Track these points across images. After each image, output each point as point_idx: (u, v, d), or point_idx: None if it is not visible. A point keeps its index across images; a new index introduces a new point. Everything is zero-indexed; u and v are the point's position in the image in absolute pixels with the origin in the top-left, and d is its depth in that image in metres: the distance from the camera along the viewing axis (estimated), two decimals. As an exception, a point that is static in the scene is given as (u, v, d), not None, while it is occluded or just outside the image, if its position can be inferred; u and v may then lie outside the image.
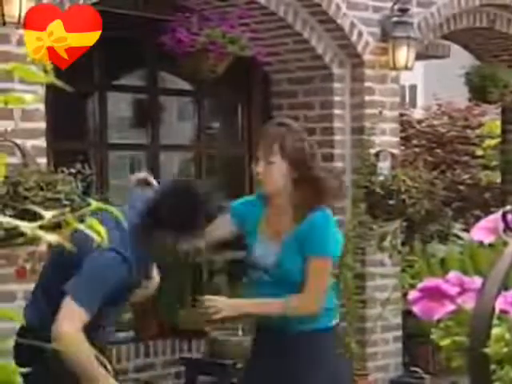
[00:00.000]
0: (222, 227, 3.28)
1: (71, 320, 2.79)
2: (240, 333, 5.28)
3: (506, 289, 1.24)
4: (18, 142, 4.40)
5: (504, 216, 1.39)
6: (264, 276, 3.19)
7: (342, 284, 5.80)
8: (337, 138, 6.07)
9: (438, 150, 8.45)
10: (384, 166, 6.08)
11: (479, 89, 7.25)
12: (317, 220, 3.10)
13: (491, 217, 1.46)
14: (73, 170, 4.54)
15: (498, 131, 7.93)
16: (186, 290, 6.36)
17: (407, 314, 6.07)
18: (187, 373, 5.70)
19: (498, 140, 7.89)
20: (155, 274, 3.30)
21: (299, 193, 3.11)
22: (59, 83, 1.20)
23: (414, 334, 6.42)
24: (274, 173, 3.13)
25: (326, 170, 3.30)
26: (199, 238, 2.98)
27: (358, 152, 6.04)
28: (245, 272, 3.30)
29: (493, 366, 1.21)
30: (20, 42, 4.22)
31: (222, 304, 3.17)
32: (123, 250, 2.87)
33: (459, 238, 7.91)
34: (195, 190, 2.98)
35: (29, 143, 4.45)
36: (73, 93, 1.45)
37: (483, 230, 1.44)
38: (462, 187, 8.28)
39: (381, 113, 6.07)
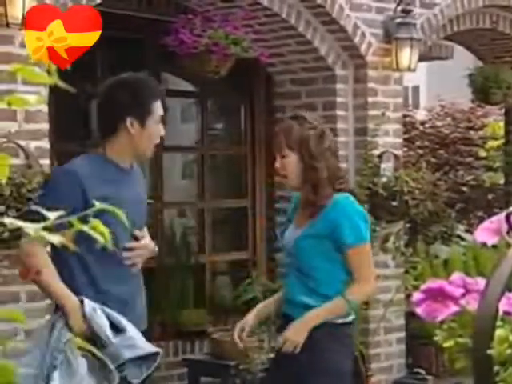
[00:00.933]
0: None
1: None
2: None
3: (510, 290, 1.24)
4: (22, 143, 4.40)
5: (508, 217, 1.39)
6: (287, 260, 3.28)
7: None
8: (340, 139, 6.07)
9: (441, 152, 8.45)
10: (387, 167, 6.07)
11: (482, 90, 7.25)
12: (343, 205, 3.15)
13: (495, 218, 1.46)
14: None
15: (502, 132, 7.93)
16: (188, 291, 6.36)
17: (410, 315, 6.07)
18: (190, 374, 5.70)
19: (502, 141, 7.88)
20: (147, 236, 3.36)
21: (309, 181, 3.17)
22: (62, 84, 1.20)
23: (418, 336, 6.42)
24: (288, 166, 3.19)
25: (335, 163, 3.30)
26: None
27: (361, 153, 6.04)
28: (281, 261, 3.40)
29: (496, 368, 1.21)
30: (23, 44, 4.22)
31: (294, 337, 3.14)
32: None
33: (462, 239, 7.90)
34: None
35: (32, 144, 4.45)
36: (76, 94, 1.45)
37: (487, 232, 1.44)
38: (465, 188, 8.28)
39: (384, 114, 6.07)
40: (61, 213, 1.14)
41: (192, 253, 6.54)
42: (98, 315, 2.96)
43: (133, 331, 3.01)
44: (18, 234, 3.79)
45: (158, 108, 3.20)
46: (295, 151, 3.17)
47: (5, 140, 4.35)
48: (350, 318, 3.23)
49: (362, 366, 3.35)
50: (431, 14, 6.41)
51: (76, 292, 3.00)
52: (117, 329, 2.98)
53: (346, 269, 3.19)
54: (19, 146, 4.39)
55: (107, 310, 3.00)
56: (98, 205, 1.19)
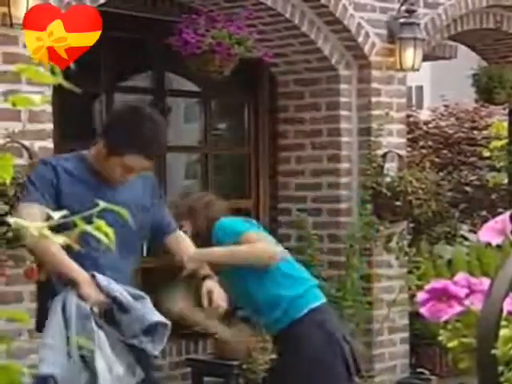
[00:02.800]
0: None
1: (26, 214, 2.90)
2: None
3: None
4: (26, 143, 4.41)
5: (512, 217, 1.39)
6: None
7: (348, 285, 5.79)
8: (343, 139, 6.07)
9: (445, 151, 8.44)
10: (391, 167, 6.07)
11: (486, 90, 7.24)
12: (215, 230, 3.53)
13: (499, 218, 1.46)
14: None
15: (505, 132, 7.92)
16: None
17: (414, 315, 6.06)
18: (193, 374, 5.70)
19: (505, 141, 7.87)
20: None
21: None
22: (67, 84, 1.20)
23: (421, 336, 6.41)
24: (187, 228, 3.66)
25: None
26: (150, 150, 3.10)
27: (364, 153, 6.03)
28: None
29: (501, 368, 1.21)
30: (27, 44, 4.23)
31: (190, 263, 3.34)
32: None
33: (466, 239, 7.90)
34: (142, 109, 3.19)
35: (36, 144, 4.46)
36: (80, 94, 1.45)
37: (491, 232, 1.44)
38: (468, 188, 8.27)
39: (387, 114, 6.07)
40: (64, 212, 1.14)
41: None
42: (115, 284, 2.98)
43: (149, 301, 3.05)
44: (22, 233, 3.79)
45: (131, 160, 3.04)
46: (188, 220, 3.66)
47: (9, 140, 4.35)
48: (317, 304, 3.34)
49: (349, 350, 3.34)
50: (435, 14, 6.40)
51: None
52: (134, 298, 3.01)
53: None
54: (23, 145, 4.39)
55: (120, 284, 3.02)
56: (102, 204, 1.19)
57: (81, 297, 2.93)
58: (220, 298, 3.22)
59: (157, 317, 3.00)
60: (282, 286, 3.37)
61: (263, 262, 3.34)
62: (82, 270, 2.97)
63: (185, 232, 3.53)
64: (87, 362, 2.86)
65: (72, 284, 2.96)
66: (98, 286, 2.95)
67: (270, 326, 3.40)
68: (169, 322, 3.03)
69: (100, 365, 2.83)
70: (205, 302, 3.25)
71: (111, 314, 2.97)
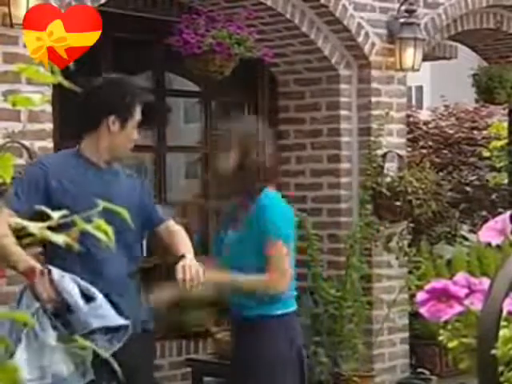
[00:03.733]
0: None
1: None
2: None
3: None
4: (26, 143, 4.41)
5: (512, 217, 1.39)
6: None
7: (348, 285, 5.79)
8: (343, 139, 6.07)
9: (445, 152, 8.44)
10: (391, 167, 6.07)
11: (486, 90, 7.24)
12: (263, 202, 3.26)
13: (499, 218, 1.46)
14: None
15: (505, 132, 7.92)
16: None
17: (414, 315, 6.06)
18: (194, 374, 5.70)
19: (505, 141, 7.87)
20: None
21: (244, 174, 3.29)
22: (67, 84, 1.20)
23: (421, 336, 6.41)
24: (223, 160, 3.37)
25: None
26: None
27: (364, 153, 6.03)
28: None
29: (501, 368, 1.21)
30: (27, 44, 4.22)
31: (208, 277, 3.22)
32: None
33: (466, 239, 7.90)
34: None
35: (36, 144, 4.46)
36: (80, 94, 1.45)
37: (491, 232, 1.44)
38: (468, 188, 8.26)
39: (387, 114, 6.07)
40: (64, 212, 1.14)
41: (195, 253, 6.54)
42: (67, 282, 2.93)
43: (103, 301, 2.98)
44: (22, 233, 3.79)
45: (138, 112, 3.27)
46: (234, 148, 3.34)
47: (9, 140, 4.35)
48: (290, 310, 3.31)
49: (305, 357, 3.35)
50: (435, 14, 6.40)
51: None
52: (86, 298, 2.95)
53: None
54: (23, 145, 4.39)
55: (77, 278, 2.97)
56: (102, 204, 1.19)
57: (34, 294, 2.91)
58: (196, 272, 3.16)
59: (98, 322, 2.93)
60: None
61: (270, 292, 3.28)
62: (35, 262, 2.96)
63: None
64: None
65: (24, 276, 2.94)
66: (51, 281, 2.92)
67: (240, 308, 3.30)
68: (125, 323, 2.99)
69: (26, 375, 2.75)
70: (179, 275, 3.17)
71: (58, 309, 2.93)
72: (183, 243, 3.41)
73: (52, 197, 3.06)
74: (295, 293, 3.41)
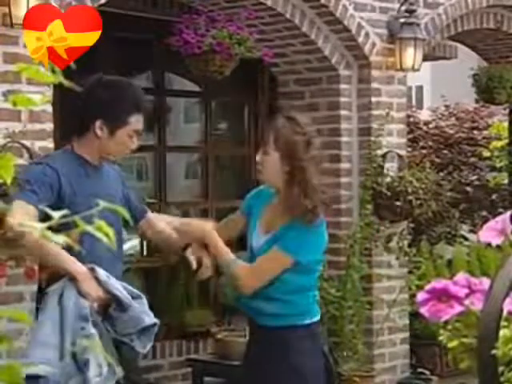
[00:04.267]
0: (235, 222, 3.41)
1: (21, 213, 2.82)
2: (247, 333, 5.27)
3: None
4: (26, 143, 4.41)
5: (512, 217, 1.39)
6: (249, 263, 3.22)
7: (349, 285, 5.80)
8: (344, 139, 6.07)
9: (445, 152, 8.44)
10: (391, 167, 6.07)
11: (487, 90, 7.24)
12: (298, 221, 3.11)
13: (499, 218, 1.46)
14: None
15: (505, 133, 7.92)
16: (192, 291, 6.36)
17: (414, 315, 6.06)
18: (194, 374, 5.70)
19: (506, 141, 7.87)
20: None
21: (288, 188, 3.13)
22: (68, 84, 1.20)
23: (422, 336, 6.41)
24: (267, 163, 3.16)
25: (318, 175, 3.24)
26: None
27: (364, 153, 6.03)
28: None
29: (501, 368, 1.21)
30: (28, 44, 4.22)
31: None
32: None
33: (466, 239, 7.89)
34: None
35: (36, 144, 4.46)
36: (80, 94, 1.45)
37: (491, 232, 1.44)
38: (469, 188, 8.26)
39: (388, 114, 6.07)
40: (65, 212, 1.14)
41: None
42: (114, 280, 2.89)
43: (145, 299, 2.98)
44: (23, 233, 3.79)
45: (135, 121, 3.09)
46: (278, 152, 3.14)
47: (9, 140, 4.35)
48: (317, 318, 3.23)
49: (333, 365, 3.30)
50: (435, 14, 6.41)
51: None
52: (132, 296, 2.93)
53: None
54: (24, 146, 4.39)
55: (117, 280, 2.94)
56: (102, 203, 1.19)
57: (80, 292, 2.82)
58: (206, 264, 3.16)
59: (151, 318, 2.93)
60: (311, 281, 3.20)
61: (240, 284, 3.15)
62: (80, 263, 2.86)
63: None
64: (79, 364, 2.75)
65: (71, 278, 2.83)
66: (98, 280, 2.85)
67: (265, 317, 3.18)
68: (158, 322, 2.98)
69: (92, 372, 2.73)
70: (194, 264, 3.18)
71: (107, 309, 2.88)
72: (172, 225, 3.31)
73: (65, 199, 2.95)
74: (318, 303, 3.31)
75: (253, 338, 3.31)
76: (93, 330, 2.79)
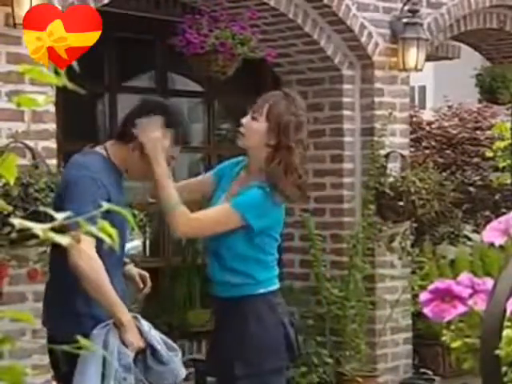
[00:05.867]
0: (200, 182, 3.43)
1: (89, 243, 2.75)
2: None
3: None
4: (29, 143, 4.41)
5: (515, 217, 1.38)
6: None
7: (351, 285, 5.79)
8: (346, 139, 6.07)
9: (448, 152, 8.43)
10: (394, 167, 6.07)
11: (490, 90, 7.24)
12: (253, 187, 3.10)
13: (502, 218, 1.46)
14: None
15: (508, 133, 7.91)
16: (195, 291, 6.36)
17: (417, 315, 6.06)
18: (197, 374, 5.70)
19: (509, 141, 7.87)
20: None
21: (269, 161, 3.12)
22: (71, 85, 1.20)
23: (424, 336, 6.41)
24: (252, 129, 3.16)
25: (303, 160, 3.21)
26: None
27: (367, 153, 6.03)
28: None
29: (504, 368, 1.21)
30: (31, 44, 4.22)
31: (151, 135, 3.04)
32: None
33: (469, 239, 7.89)
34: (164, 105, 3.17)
35: (39, 145, 4.46)
36: (83, 94, 1.45)
37: (494, 232, 1.43)
38: (472, 188, 8.26)
39: (390, 114, 6.06)
40: (69, 214, 1.15)
41: (198, 253, 6.55)
42: (154, 332, 2.90)
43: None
44: (25, 234, 3.80)
45: (172, 151, 3.14)
46: (267, 123, 3.13)
47: (12, 140, 4.36)
48: (273, 288, 3.21)
49: (294, 337, 3.26)
50: (438, 14, 6.40)
51: (76, 291, 2.97)
52: (168, 349, 2.95)
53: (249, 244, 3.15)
54: (26, 146, 4.39)
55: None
56: (106, 205, 1.19)
57: (123, 341, 2.81)
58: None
59: (184, 371, 2.99)
60: (264, 253, 3.17)
61: (174, 227, 3.13)
62: (126, 310, 2.87)
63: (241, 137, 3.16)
64: None
65: (116, 324, 2.83)
66: (139, 330, 2.85)
67: (223, 285, 3.18)
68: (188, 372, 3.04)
69: None
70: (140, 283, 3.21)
71: (142, 357, 2.86)
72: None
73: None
74: (277, 272, 3.28)
75: (213, 308, 3.34)
76: (133, 381, 2.79)
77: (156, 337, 2.90)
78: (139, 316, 2.92)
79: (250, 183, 3.16)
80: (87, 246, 2.77)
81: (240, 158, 3.37)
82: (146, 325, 2.89)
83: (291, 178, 3.11)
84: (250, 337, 3.13)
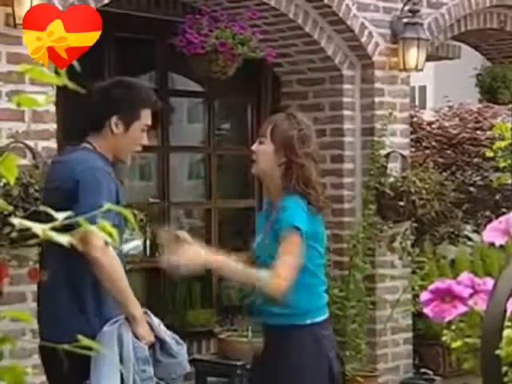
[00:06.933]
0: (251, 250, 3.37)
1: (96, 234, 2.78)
2: (250, 333, 5.28)
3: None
4: (29, 143, 4.41)
5: (516, 217, 1.38)
6: (258, 262, 3.18)
7: (352, 285, 5.79)
8: (347, 139, 6.07)
9: (449, 152, 8.43)
10: (394, 167, 6.07)
11: (490, 90, 7.24)
12: (285, 202, 3.09)
13: (502, 218, 1.46)
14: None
15: (509, 133, 7.91)
16: (195, 291, 6.36)
17: (417, 315, 6.06)
18: (197, 374, 5.71)
19: (509, 141, 7.86)
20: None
21: (287, 180, 3.13)
22: (71, 85, 1.20)
23: (425, 336, 6.41)
24: (262, 153, 3.19)
25: (317, 174, 3.20)
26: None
27: (368, 153, 6.03)
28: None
29: (505, 368, 1.21)
30: (31, 44, 4.22)
31: (193, 254, 3.00)
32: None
33: (469, 239, 7.89)
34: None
35: (40, 145, 4.46)
36: (84, 94, 1.45)
37: (495, 232, 1.43)
38: (472, 189, 8.26)
39: (391, 114, 6.06)
40: (70, 213, 1.15)
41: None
42: (163, 328, 2.96)
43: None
44: (25, 234, 3.80)
45: (146, 116, 3.21)
46: (273, 144, 3.16)
47: (13, 140, 4.36)
48: (321, 318, 3.18)
49: (339, 368, 3.23)
50: (438, 14, 6.40)
51: (84, 291, 2.99)
52: (176, 343, 3.01)
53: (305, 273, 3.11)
54: (27, 146, 4.39)
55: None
56: (108, 205, 1.19)
57: (135, 335, 2.87)
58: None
59: (188, 366, 3.04)
60: (311, 275, 3.13)
61: (275, 293, 3.06)
62: (139, 305, 2.92)
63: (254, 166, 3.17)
64: None
65: (128, 318, 2.88)
66: (150, 324, 2.92)
67: (265, 315, 3.15)
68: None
69: None
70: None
71: (152, 352, 2.91)
72: None
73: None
74: (325, 300, 3.24)
75: (263, 337, 3.29)
76: (152, 371, 2.85)
77: (166, 331, 2.96)
78: (149, 311, 2.96)
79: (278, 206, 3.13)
80: (101, 241, 2.79)
81: (266, 203, 3.38)
82: (155, 319, 2.95)
83: (315, 190, 3.12)
84: (291, 368, 3.09)
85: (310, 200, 3.11)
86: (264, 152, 3.17)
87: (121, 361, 2.82)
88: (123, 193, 3.15)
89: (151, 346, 2.92)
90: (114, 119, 3.12)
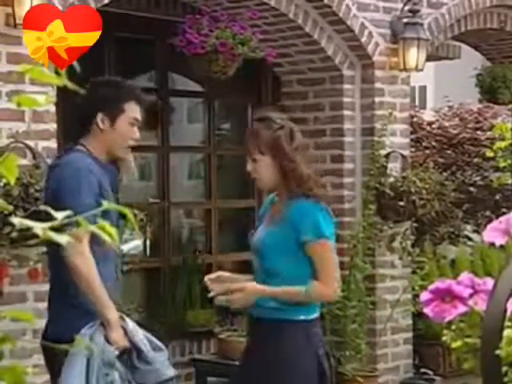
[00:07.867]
0: None
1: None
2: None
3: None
4: (30, 143, 4.41)
5: (516, 217, 1.38)
6: (255, 261, 3.25)
7: (352, 285, 5.79)
8: (347, 139, 6.07)
9: (449, 152, 8.43)
10: (394, 167, 6.07)
11: (490, 90, 7.23)
12: (304, 206, 3.16)
13: (503, 218, 1.46)
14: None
15: (509, 133, 7.91)
16: (195, 291, 6.36)
17: (418, 315, 6.06)
18: (197, 374, 5.71)
19: (509, 141, 7.86)
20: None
21: (285, 182, 3.18)
22: (71, 85, 1.20)
23: (425, 336, 6.41)
24: (259, 169, 3.23)
25: (307, 163, 3.26)
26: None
27: (368, 153, 6.03)
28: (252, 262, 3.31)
29: (505, 368, 1.21)
30: (31, 44, 4.21)
31: (249, 293, 3.12)
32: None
33: (470, 239, 7.89)
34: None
35: (40, 144, 4.46)
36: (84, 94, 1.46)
37: (495, 232, 1.43)
38: (472, 189, 8.26)
39: (391, 114, 6.06)
40: (69, 212, 1.15)
41: (199, 252, 6.56)
42: (140, 333, 2.95)
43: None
44: (25, 234, 3.80)
45: (132, 109, 3.22)
46: (266, 154, 3.19)
47: (13, 140, 4.36)
48: (313, 316, 3.21)
49: (328, 367, 3.24)
50: (439, 14, 6.40)
51: (77, 290, 2.99)
52: (153, 348, 2.99)
53: (312, 271, 3.17)
54: (27, 146, 4.39)
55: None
56: (106, 204, 1.20)
57: (107, 339, 2.88)
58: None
59: (171, 371, 3.01)
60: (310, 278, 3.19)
61: (325, 301, 3.26)
62: (114, 309, 2.93)
63: (254, 178, 3.24)
64: None
65: (102, 322, 2.89)
66: (125, 329, 2.92)
67: (263, 308, 3.18)
68: (177, 374, 3.07)
69: None
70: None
71: (128, 357, 2.92)
72: None
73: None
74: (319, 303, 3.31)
75: (249, 330, 3.34)
76: (117, 377, 2.84)
77: (141, 336, 2.94)
78: (124, 315, 2.96)
79: (285, 203, 3.19)
80: (81, 246, 2.81)
81: (271, 196, 3.41)
82: (130, 324, 2.94)
83: (312, 180, 3.18)
84: (282, 362, 3.12)
85: (316, 196, 3.19)
86: (261, 168, 3.22)
87: (88, 363, 2.82)
88: (113, 183, 3.15)
89: (127, 352, 2.91)
90: (99, 116, 3.17)
